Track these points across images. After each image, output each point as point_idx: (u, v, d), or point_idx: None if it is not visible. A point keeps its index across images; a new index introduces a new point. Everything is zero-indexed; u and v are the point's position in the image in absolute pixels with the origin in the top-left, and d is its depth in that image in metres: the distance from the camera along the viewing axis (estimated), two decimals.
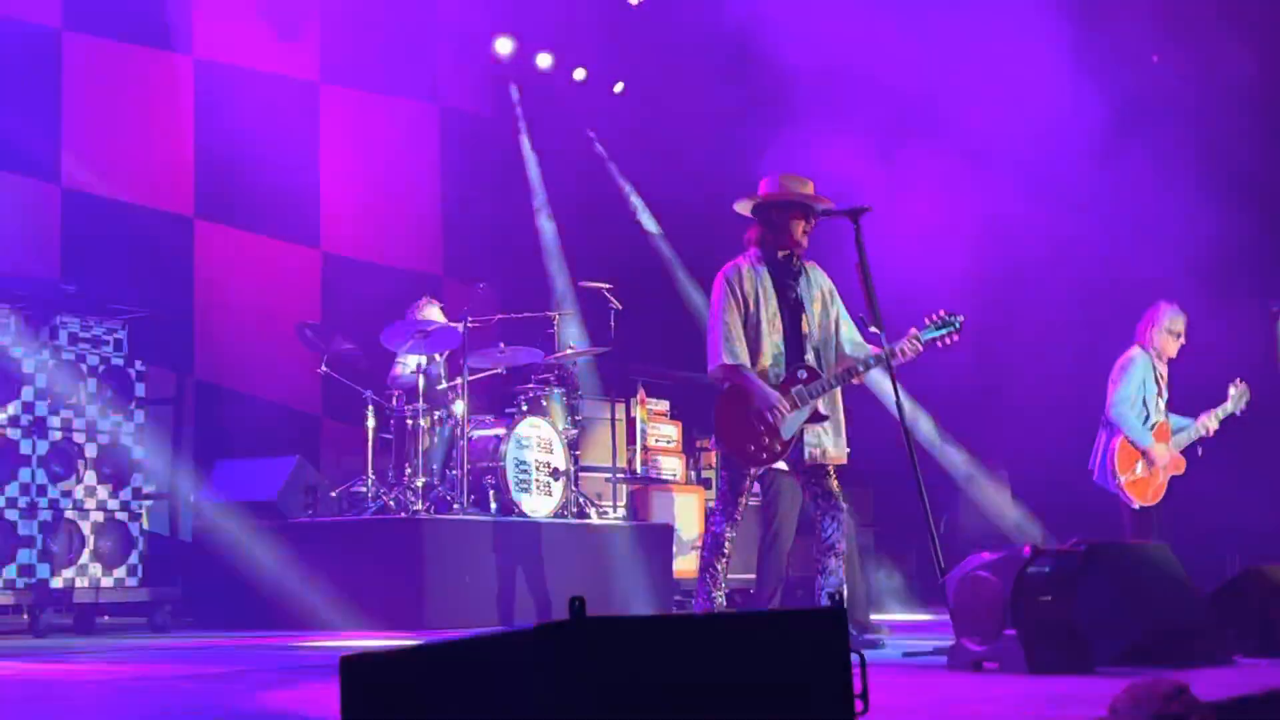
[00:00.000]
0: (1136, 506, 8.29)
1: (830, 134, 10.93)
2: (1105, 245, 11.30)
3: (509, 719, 2.47)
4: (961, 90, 11.10)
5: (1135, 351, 8.45)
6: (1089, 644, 4.97)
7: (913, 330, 6.40)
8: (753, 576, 7.89)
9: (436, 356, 9.45)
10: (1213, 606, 5.58)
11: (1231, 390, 8.46)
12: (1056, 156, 11.09)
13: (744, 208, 6.57)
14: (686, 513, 10.28)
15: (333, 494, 9.21)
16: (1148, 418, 8.33)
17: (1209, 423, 8.42)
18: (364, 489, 8.94)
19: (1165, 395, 8.49)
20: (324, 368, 9.24)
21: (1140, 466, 8.31)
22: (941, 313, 6.44)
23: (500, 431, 8.90)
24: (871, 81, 11.32)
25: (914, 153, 11.66)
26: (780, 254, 6.47)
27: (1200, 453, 8.48)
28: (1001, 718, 3.76)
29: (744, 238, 6.58)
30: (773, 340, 6.39)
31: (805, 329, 6.46)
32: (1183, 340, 8.50)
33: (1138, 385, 8.35)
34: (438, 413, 8.95)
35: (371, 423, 9.03)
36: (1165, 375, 8.52)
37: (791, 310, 6.47)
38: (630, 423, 10.51)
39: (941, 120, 11.32)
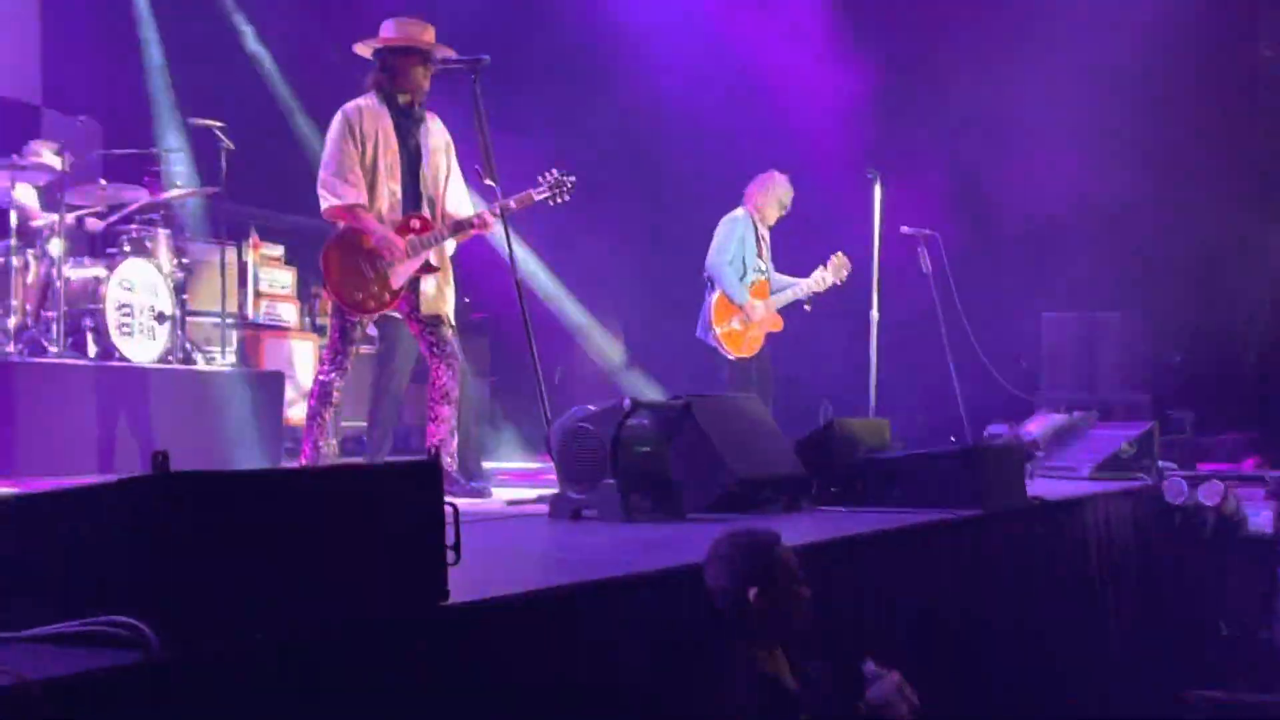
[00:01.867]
0: (732, 358, 8.74)
1: None
2: (733, 113, 11.65)
3: (91, 574, 2.40)
4: None
5: (739, 212, 8.90)
6: (683, 493, 5.20)
7: (528, 191, 6.48)
8: (365, 424, 7.87)
9: (31, 190, 8.90)
10: (799, 456, 5.91)
11: (833, 260, 8.93)
12: (691, 28, 11.37)
13: (364, 50, 6.47)
14: (303, 360, 10.10)
15: None
16: (745, 275, 8.76)
17: (810, 286, 8.90)
18: None
19: (766, 256, 8.92)
20: None
21: (736, 320, 8.74)
22: (554, 173, 6.53)
23: (101, 273, 8.47)
24: None
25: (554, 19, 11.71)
26: (401, 99, 6.42)
27: (808, 308, 8.97)
28: (595, 564, 3.90)
29: (364, 81, 6.48)
30: (390, 187, 6.34)
31: (423, 178, 6.44)
32: (785, 211, 8.96)
33: (737, 243, 8.77)
34: (31, 251, 8.45)
35: None
36: (766, 237, 8.96)
37: (411, 158, 6.43)
38: (242, 267, 10.19)
39: None
